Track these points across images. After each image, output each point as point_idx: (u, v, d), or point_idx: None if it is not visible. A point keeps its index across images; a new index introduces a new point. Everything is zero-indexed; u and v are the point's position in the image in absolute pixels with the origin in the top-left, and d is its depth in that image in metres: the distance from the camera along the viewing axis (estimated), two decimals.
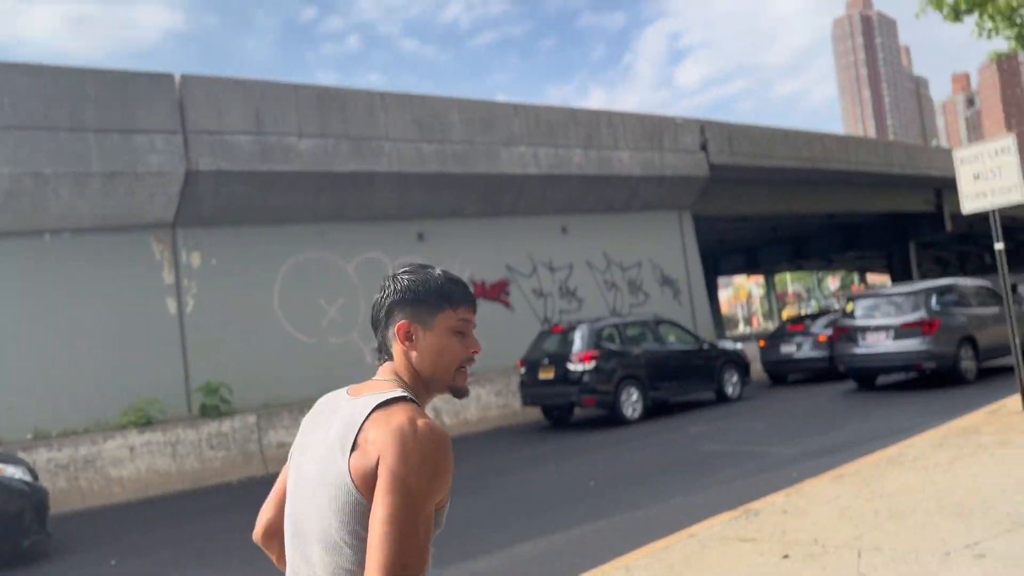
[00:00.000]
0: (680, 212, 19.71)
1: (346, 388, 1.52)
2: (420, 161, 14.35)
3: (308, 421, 1.54)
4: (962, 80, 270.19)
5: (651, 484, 7.72)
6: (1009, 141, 8.59)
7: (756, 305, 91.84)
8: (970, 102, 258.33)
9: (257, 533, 1.64)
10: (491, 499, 7.92)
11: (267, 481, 11.16)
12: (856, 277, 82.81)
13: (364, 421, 1.37)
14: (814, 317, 17.45)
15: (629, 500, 7.05)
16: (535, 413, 14.12)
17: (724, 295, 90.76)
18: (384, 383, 1.49)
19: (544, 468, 9.37)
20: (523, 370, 13.25)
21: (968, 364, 12.84)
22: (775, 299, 71.32)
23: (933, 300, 12.93)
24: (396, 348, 1.53)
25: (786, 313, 72.32)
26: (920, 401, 11.55)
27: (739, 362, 14.33)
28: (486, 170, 15.18)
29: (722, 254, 39.20)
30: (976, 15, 14.93)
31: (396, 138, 14.08)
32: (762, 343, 17.18)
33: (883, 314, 13.15)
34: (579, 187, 17.08)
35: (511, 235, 16.54)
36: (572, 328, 12.91)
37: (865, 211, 27.94)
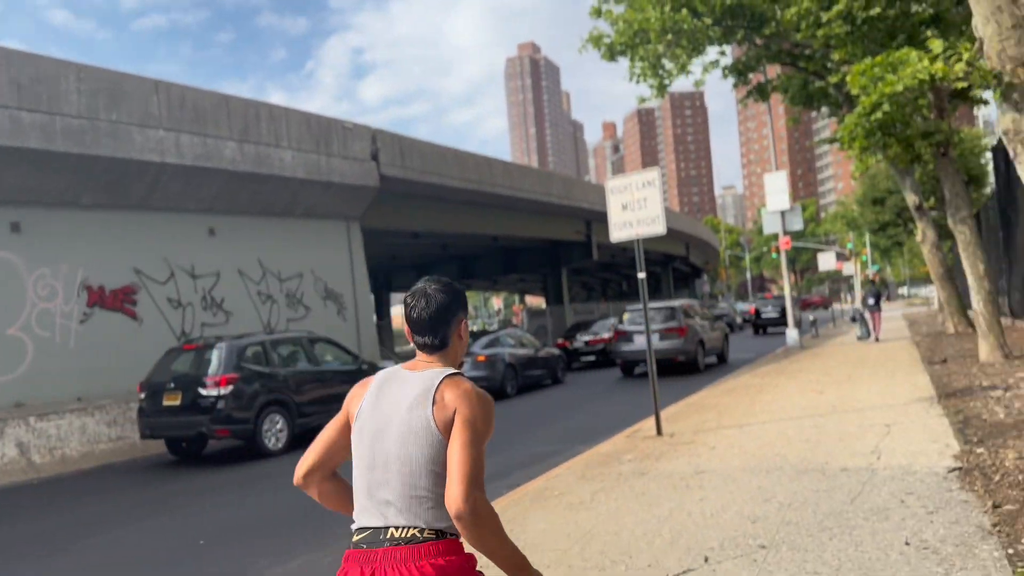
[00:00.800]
0: (348, 222, 18.69)
1: (399, 365, 2.10)
2: (18, 133, 11.50)
3: (375, 389, 2.05)
4: (610, 128, 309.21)
5: (277, 536, 6.47)
6: (655, 174, 8.91)
7: None
8: (616, 148, 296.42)
9: (299, 476, 2.12)
10: (67, 566, 6.04)
11: None
12: (517, 298, 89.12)
13: (439, 385, 1.97)
14: (475, 336, 17.51)
15: (243, 561, 5.74)
16: (159, 445, 12.00)
17: (399, 311, 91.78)
18: (438, 364, 2.08)
19: (151, 520, 7.60)
20: (143, 395, 11.13)
21: (701, 359, 17.98)
22: None
23: (679, 314, 17.71)
24: (454, 340, 2.12)
25: None
26: (604, 403, 11.80)
27: None
28: (111, 153, 12.70)
29: (394, 270, 39.08)
30: (628, 58, 16.16)
31: None
32: None
33: (649, 321, 16.38)
34: (231, 184, 15.22)
35: (142, 233, 14.12)
36: (209, 346, 11.15)
37: (525, 236, 29.51)
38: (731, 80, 18.72)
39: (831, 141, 22.08)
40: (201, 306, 15.06)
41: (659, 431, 8.98)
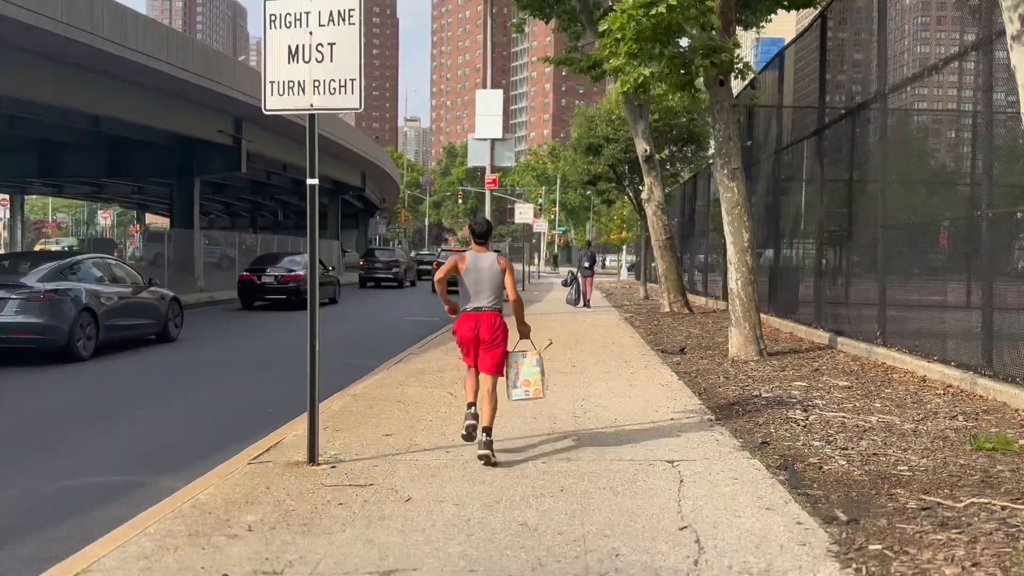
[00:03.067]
0: None
1: (472, 249, 6.70)
2: None
3: (472, 259, 6.46)
4: None
5: None
6: (354, 2, 5.80)
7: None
8: None
9: (438, 280, 6.50)
10: None
11: None
12: (135, 215, 79.85)
13: (497, 257, 6.61)
14: (36, 259, 12.97)
15: None
16: None
17: None
18: (487, 250, 6.68)
19: None
20: None
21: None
22: (25, 227, 63.30)
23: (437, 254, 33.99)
24: (490, 241, 7.05)
25: (39, 248, 64.61)
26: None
27: None
28: None
29: None
30: None
31: None
32: None
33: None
34: None
35: None
36: None
37: (144, 125, 24.57)
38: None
39: (561, 62, 20.65)
40: None
41: (312, 457, 6.02)
